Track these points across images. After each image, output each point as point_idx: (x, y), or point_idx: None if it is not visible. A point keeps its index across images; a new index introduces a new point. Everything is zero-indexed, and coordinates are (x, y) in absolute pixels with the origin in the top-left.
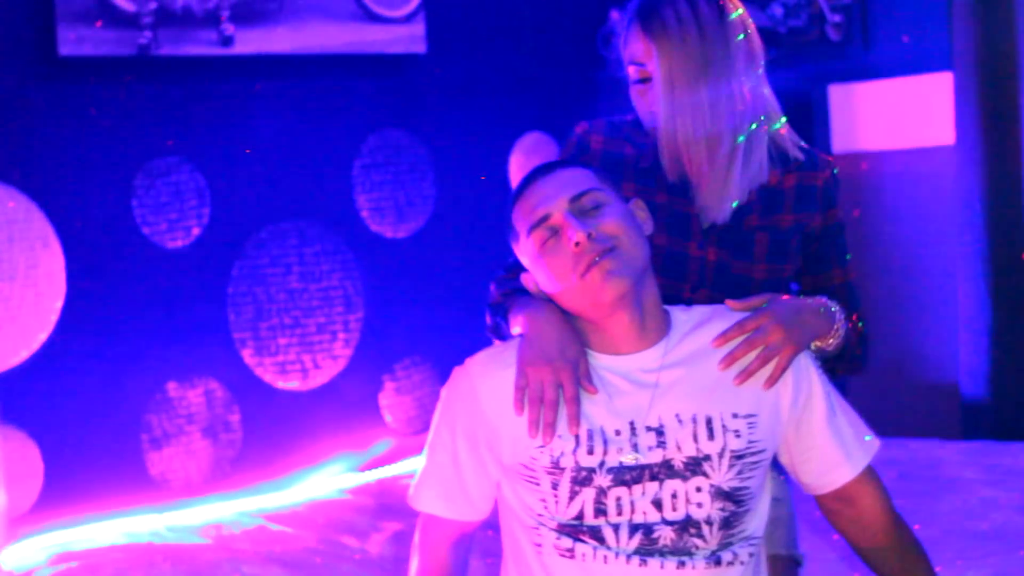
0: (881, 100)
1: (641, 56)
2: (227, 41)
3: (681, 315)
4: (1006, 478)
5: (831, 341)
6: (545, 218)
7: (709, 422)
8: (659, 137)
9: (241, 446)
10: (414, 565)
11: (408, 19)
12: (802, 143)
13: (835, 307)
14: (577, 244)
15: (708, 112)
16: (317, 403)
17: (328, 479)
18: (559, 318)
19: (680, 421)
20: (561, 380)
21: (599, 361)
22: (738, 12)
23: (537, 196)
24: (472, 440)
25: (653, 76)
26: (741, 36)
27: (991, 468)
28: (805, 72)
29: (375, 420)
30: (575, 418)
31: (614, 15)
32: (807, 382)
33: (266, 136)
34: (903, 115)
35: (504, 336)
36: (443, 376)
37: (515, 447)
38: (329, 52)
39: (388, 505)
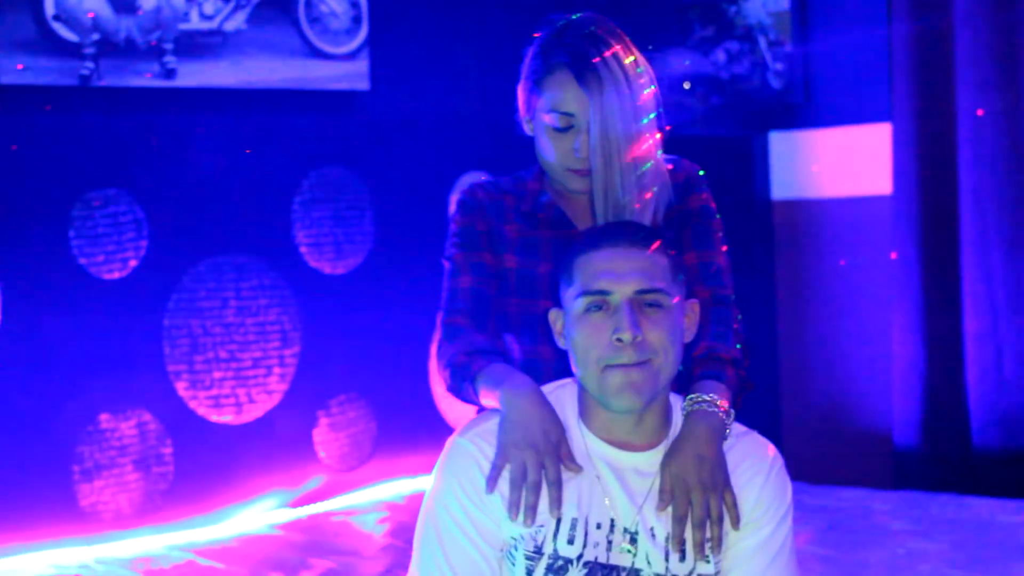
0: (821, 148)
1: (571, 106)
2: (169, 73)
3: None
4: (935, 529)
5: (729, 427)
6: (606, 293)
7: (683, 544)
8: (593, 184)
9: (173, 479)
10: None
11: (352, 56)
12: (671, 157)
13: (712, 398)
14: (620, 340)
15: (635, 161)
16: (250, 438)
17: (259, 514)
18: (541, 399)
19: (654, 537)
20: (544, 462)
21: (595, 447)
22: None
23: (611, 265)
24: (471, 519)
25: (582, 125)
26: (652, 86)
27: (920, 519)
28: (746, 119)
29: (308, 456)
30: (557, 501)
31: None
32: (772, 521)
33: (206, 170)
34: (842, 164)
35: (468, 400)
36: (377, 413)
37: (501, 526)
38: (272, 87)
39: (318, 542)
